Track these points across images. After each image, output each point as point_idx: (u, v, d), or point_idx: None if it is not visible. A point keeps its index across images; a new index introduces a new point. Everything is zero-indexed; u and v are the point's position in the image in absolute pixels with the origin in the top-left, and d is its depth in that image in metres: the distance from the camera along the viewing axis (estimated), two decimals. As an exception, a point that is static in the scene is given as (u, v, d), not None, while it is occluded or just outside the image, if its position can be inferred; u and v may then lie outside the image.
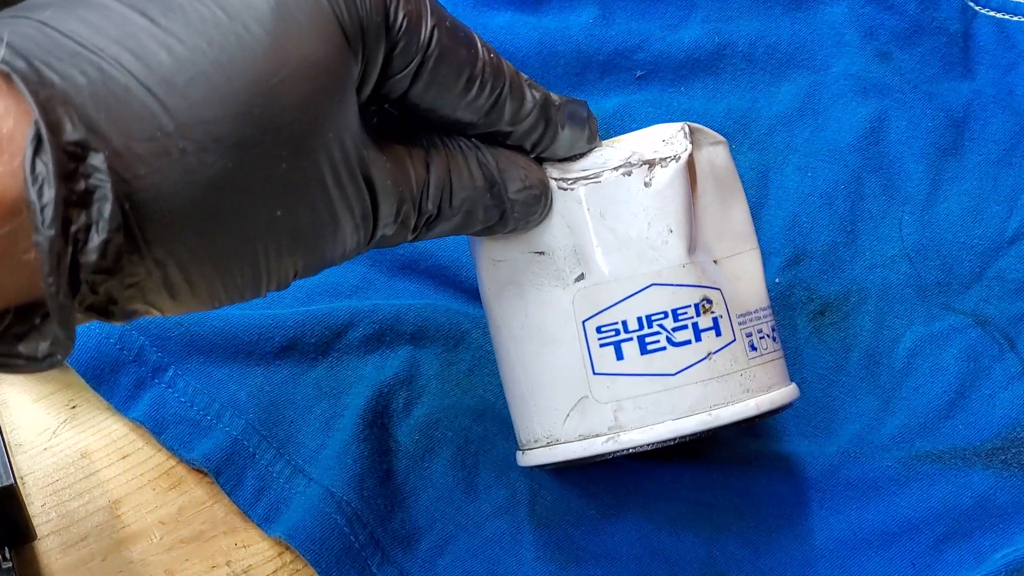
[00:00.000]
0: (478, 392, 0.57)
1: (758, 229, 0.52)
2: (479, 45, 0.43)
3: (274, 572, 0.53)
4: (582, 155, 0.47)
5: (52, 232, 0.32)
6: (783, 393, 0.49)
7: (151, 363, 0.56)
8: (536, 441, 0.49)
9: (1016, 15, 0.65)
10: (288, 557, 0.53)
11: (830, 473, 0.56)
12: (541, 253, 0.47)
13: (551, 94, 0.46)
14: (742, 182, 0.51)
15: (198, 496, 0.55)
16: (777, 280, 0.59)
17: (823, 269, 0.59)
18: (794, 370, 0.56)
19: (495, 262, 0.49)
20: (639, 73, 0.63)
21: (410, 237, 0.44)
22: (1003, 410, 0.57)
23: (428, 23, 0.41)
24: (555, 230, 0.47)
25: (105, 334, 0.55)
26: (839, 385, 0.57)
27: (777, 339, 0.50)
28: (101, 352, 0.55)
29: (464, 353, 0.57)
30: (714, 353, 0.47)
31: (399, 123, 0.44)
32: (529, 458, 0.50)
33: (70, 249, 0.33)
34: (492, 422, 0.56)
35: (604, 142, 0.48)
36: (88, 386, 0.55)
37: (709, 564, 0.54)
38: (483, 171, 0.45)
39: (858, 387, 0.57)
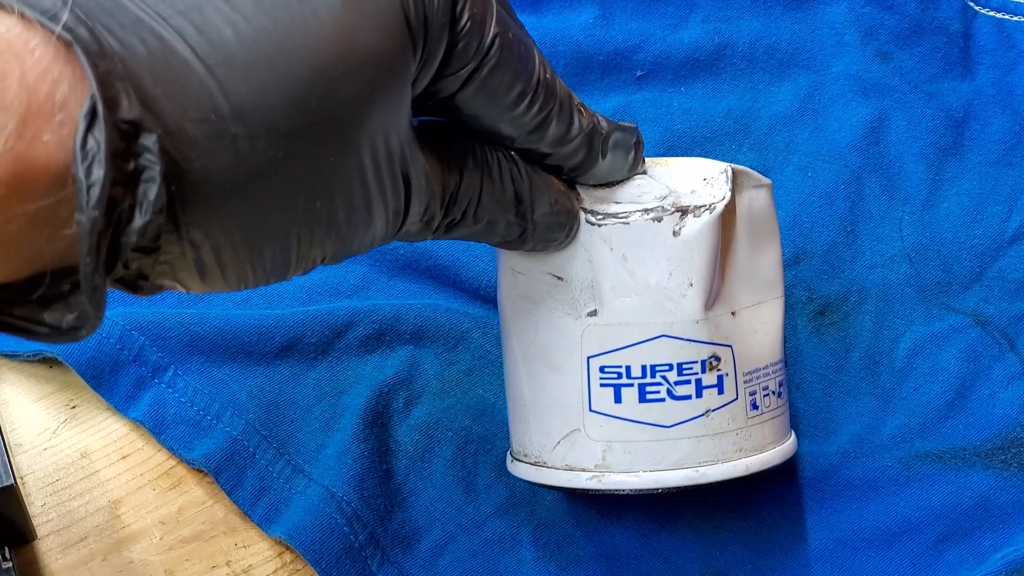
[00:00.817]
0: (478, 392, 0.57)
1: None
2: (537, 61, 0.42)
3: (274, 572, 0.53)
4: (619, 182, 0.46)
5: (96, 213, 0.31)
6: (776, 453, 0.49)
7: (151, 363, 0.56)
8: (526, 456, 0.49)
9: (1016, 15, 0.65)
10: (288, 557, 0.53)
11: (830, 473, 0.56)
12: (560, 279, 0.47)
13: (600, 121, 0.45)
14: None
15: (198, 496, 0.55)
16: (777, 280, 0.59)
17: (823, 269, 0.59)
18: (794, 370, 0.56)
19: (515, 272, 0.48)
20: (639, 73, 0.63)
21: (429, 236, 0.43)
22: (1003, 410, 0.57)
23: (491, 29, 0.40)
24: (577, 261, 0.46)
25: (105, 334, 0.55)
26: (839, 385, 0.57)
27: (783, 394, 0.50)
28: (101, 352, 0.55)
29: (464, 353, 0.57)
30: (713, 411, 0.47)
31: (441, 122, 0.43)
32: (517, 469, 0.50)
33: (111, 229, 0.32)
34: (492, 422, 0.56)
35: (647, 161, 0.47)
36: (88, 386, 0.55)
37: (709, 564, 0.54)
38: (514, 187, 0.44)
39: (858, 387, 0.57)
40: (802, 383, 0.57)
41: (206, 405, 0.55)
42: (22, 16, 0.31)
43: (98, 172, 0.31)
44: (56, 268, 0.33)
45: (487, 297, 0.58)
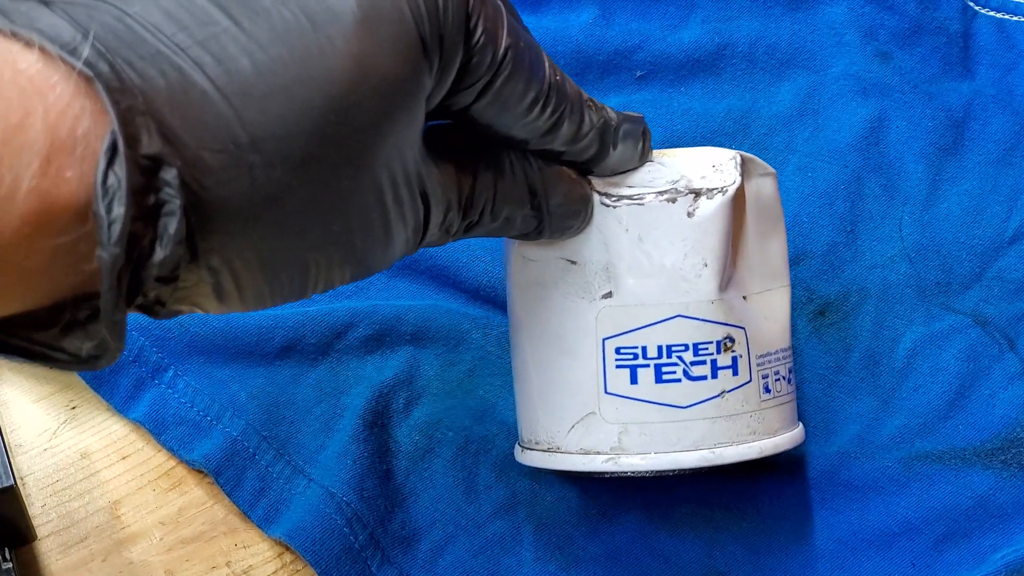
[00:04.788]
0: (478, 393, 0.57)
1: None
2: (547, 66, 0.42)
3: (274, 572, 0.53)
4: (630, 170, 0.47)
5: (117, 250, 0.31)
6: (788, 438, 0.50)
7: (151, 364, 0.56)
8: (537, 443, 0.49)
9: (1016, 15, 0.64)
10: (288, 557, 0.53)
11: (830, 473, 0.56)
12: (573, 263, 0.47)
13: (610, 114, 0.45)
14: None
15: (198, 496, 0.55)
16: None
17: (823, 269, 0.59)
18: (794, 370, 0.56)
19: (526, 260, 0.48)
20: (639, 73, 0.63)
21: (449, 240, 0.43)
22: (1003, 410, 0.57)
23: (504, 41, 0.40)
24: (591, 244, 0.47)
25: (105, 335, 0.55)
26: (839, 385, 0.57)
27: (792, 380, 0.50)
28: (101, 353, 0.55)
29: (464, 354, 0.57)
30: (728, 392, 0.47)
31: (447, 125, 0.43)
32: (527, 457, 0.50)
33: (131, 264, 0.32)
34: (492, 422, 0.56)
35: (654, 153, 0.47)
36: (88, 386, 0.55)
37: (709, 564, 0.54)
38: (527, 180, 0.44)
39: (858, 387, 0.57)
40: (802, 383, 0.57)
41: (206, 406, 0.55)
42: (42, 50, 0.31)
43: (118, 209, 0.31)
44: (75, 296, 0.33)
45: (487, 297, 0.58)
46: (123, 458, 0.55)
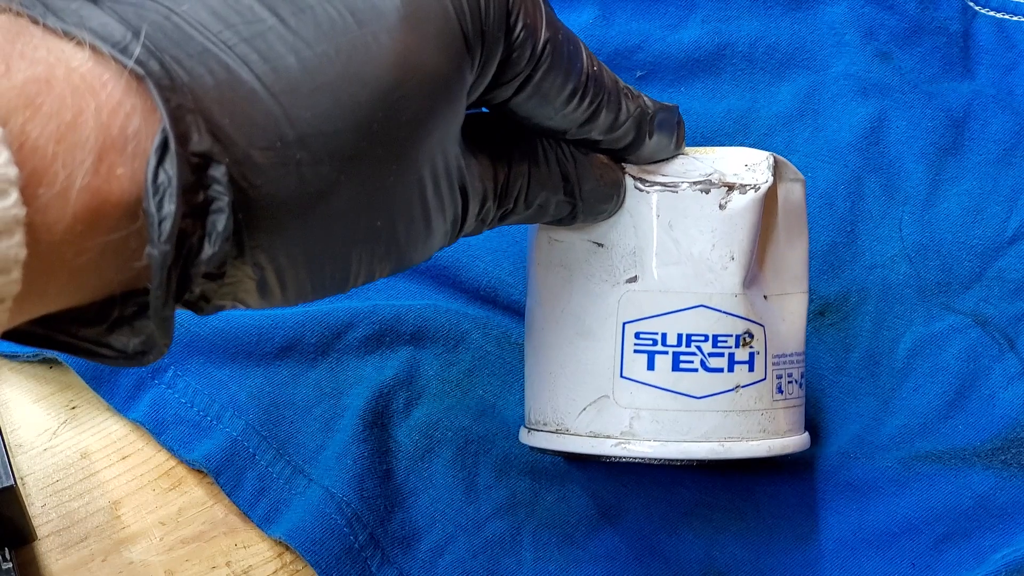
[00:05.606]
0: (478, 393, 0.57)
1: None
2: (584, 56, 0.42)
3: (274, 572, 0.53)
4: (664, 160, 0.47)
5: (167, 247, 0.31)
6: (796, 441, 0.50)
7: (151, 364, 0.56)
8: (545, 424, 0.49)
9: (1016, 15, 0.65)
10: (288, 557, 0.53)
11: (830, 474, 0.56)
12: (600, 245, 0.47)
13: (647, 102, 0.45)
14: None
15: (198, 496, 0.55)
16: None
17: (823, 269, 0.59)
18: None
19: (552, 240, 0.48)
20: (639, 73, 0.63)
21: (484, 229, 0.43)
22: (1003, 410, 0.57)
23: (543, 35, 0.40)
24: (621, 227, 0.47)
25: (105, 335, 0.55)
26: (839, 385, 0.57)
27: (803, 386, 0.51)
28: (101, 353, 0.55)
29: (464, 354, 0.57)
30: (742, 387, 0.47)
31: (480, 114, 0.43)
32: (533, 438, 0.50)
33: (181, 261, 0.32)
34: (492, 422, 0.56)
35: (688, 149, 0.47)
36: (88, 386, 0.55)
37: (709, 564, 0.54)
38: (560, 168, 0.44)
39: (858, 387, 0.57)
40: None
41: (206, 406, 0.55)
42: (94, 49, 0.31)
43: (169, 207, 0.31)
44: (124, 293, 0.33)
45: (487, 297, 0.58)
46: (123, 458, 0.55)
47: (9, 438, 0.55)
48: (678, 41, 0.63)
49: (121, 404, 0.55)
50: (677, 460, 0.48)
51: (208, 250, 0.33)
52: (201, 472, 0.55)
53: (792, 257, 0.50)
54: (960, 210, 0.61)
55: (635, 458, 0.48)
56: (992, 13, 0.65)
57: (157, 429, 0.55)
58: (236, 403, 0.55)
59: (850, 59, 0.63)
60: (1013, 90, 0.63)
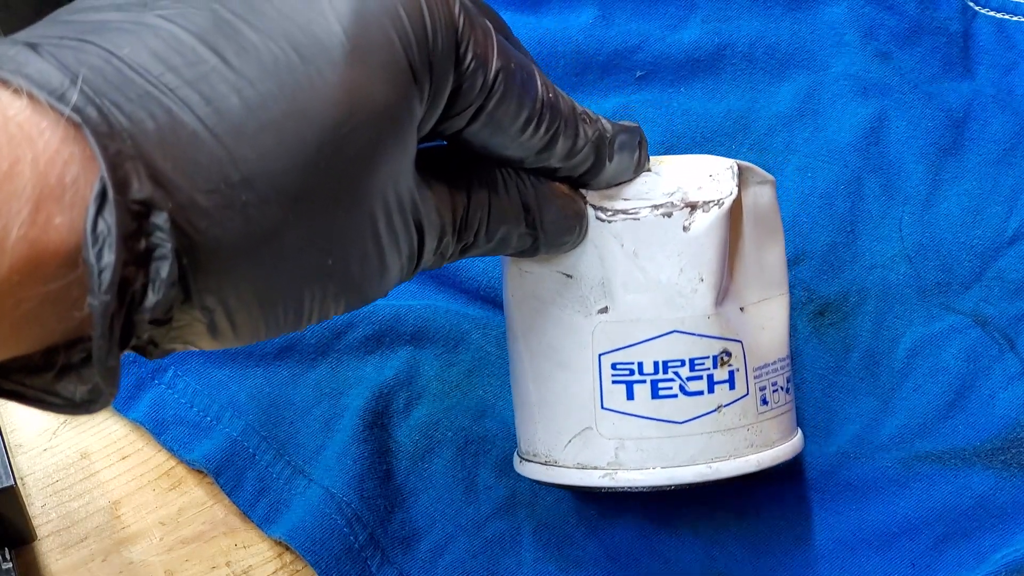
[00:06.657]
0: (478, 393, 0.57)
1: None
2: (539, 84, 0.41)
3: (274, 572, 0.53)
4: (626, 181, 0.46)
5: (108, 297, 0.31)
6: (786, 448, 0.49)
7: (151, 364, 0.56)
8: (535, 456, 0.49)
9: (1016, 15, 0.64)
10: (288, 558, 0.53)
11: (830, 474, 0.56)
12: (569, 276, 0.47)
13: (605, 126, 0.44)
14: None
15: (198, 496, 0.55)
16: (777, 280, 0.59)
17: (823, 269, 0.59)
18: (794, 371, 0.56)
19: (522, 271, 0.48)
20: (639, 73, 0.63)
21: (444, 263, 0.43)
22: (1003, 410, 0.57)
23: (494, 64, 0.39)
24: (587, 258, 0.46)
25: (105, 335, 0.55)
26: (839, 385, 0.57)
27: (790, 390, 0.50)
28: (101, 353, 0.55)
29: (464, 354, 0.57)
30: (724, 406, 0.47)
31: (437, 147, 0.42)
32: (526, 469, 0.50)
33: (124, 310, 0.32)
34: (492, 423, 0.56)
35: (651, 160, 0.47)
36: (88, 387, 0.55)
37: (709, 564, 0.54)
38: (521, 198, 0.43)
39: (858, 387, 0.57)
40: (802, 383, 0.57)
41: (206, 406, 0.55)
42: (31, 97, 0.31)
43: (109, 256, 0.31)
44: (68, 341, 0.33)
45: (487, 298, 0.58)
46: (123, 458, 0.55)
47: (9, 438, 0.55)
48: (678, 41, 0.63)
49: (121, 404, 0.55)
50: (666, 486, 0.47)
51: (152, 297, 0.32)
52: (201, 472, 0.55)
53: (767, 262, 0.49)
54: (960, 210, 0.61)
55: (624, 488, 0.47)
56: (992, 13, 0.65)
57: (157, 429, 0.55)
58: (236, 403, 0.55)
59: (850, 59, 0.63)
60: (1013, 90, 0.63)
